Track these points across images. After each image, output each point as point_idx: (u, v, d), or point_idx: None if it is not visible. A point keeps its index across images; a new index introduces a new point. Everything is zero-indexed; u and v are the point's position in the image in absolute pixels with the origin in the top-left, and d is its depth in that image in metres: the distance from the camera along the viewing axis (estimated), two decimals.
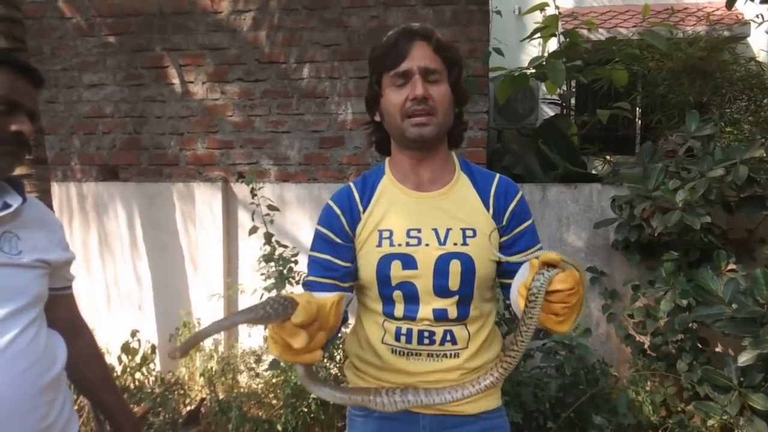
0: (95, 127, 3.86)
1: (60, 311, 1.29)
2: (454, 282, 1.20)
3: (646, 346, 2.95)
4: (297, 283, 2.77)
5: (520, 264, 1.24)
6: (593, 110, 4.31)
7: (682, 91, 4.24)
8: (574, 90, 5.57)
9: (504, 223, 1.26)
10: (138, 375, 3.19)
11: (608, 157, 4.65)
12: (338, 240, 1.25)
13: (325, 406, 2.66)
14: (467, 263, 1.20)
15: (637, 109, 5.26)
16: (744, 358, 2.19)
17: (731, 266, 2.69)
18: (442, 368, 1.23)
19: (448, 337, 1.23)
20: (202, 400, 3.00)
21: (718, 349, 2.97)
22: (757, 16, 4.43)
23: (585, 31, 5.13)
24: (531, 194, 3.29)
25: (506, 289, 1.29)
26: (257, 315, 0.87)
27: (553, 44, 4.67)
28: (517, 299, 1.02)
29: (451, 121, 1.26)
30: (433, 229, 1.22)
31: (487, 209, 1.25)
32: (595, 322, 3.18)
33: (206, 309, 3.49)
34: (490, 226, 1.24)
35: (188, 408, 2.99)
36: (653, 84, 4.51)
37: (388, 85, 1.21)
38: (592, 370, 2.74)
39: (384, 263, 1.21)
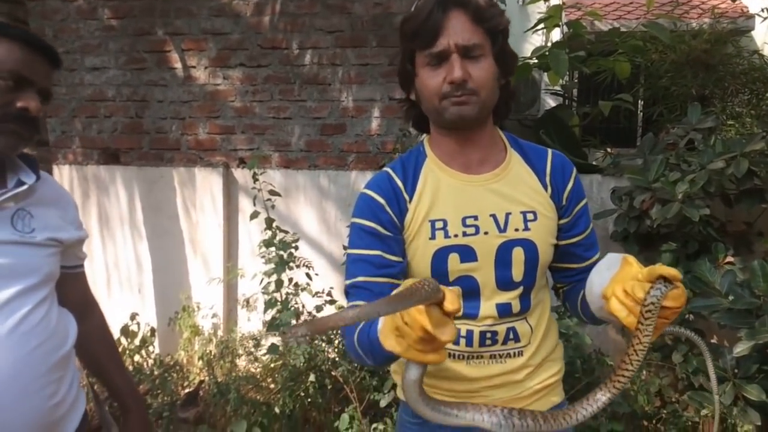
0: (97, 111, 3.86)
1: (71, 290, 1.29)
2: (517, 272, 1.09)
3: None
4: (297, 267, 2.78)
5: (584, 246, 1.16)
6: (595, 102, 4.30)
7: (685, 83, 4.24)
8: (576, 81, 5.56)
9: (564, 203, 1.14)
10: (137, 357, 3.21)
11: (609, 149, 4.65)
12: (388, 233, 1.10)
13: (323, 390, 2.68)
14: (531, 250, 1.09)
15: (639, 101, 5.25)
16: (739, 349, 2.21)
17: (729, 259, 2.70)
18: (506, 370, 1.12)
19: (511, 335, 1.12)
20: (201, 382, 3.03)
21: (714, 340, 2.99)
22: (763, 10, 4.42)
23: (588, 23, 5.11)
24: None
25: (558, 273, 1.22)
26: (418, 297, 0.73)
27: (556, 35, 4.65)
28: (601, 300, 0.94)
29: (497, 97, 1.11)
30: (491, 215, 1.09)
31: (545, 188, 1.13)
32: None
33: (206, 293, 3.51)
34: (550, 207, 1.13)
35: (187, 390, 3.02)
36: (656, 76, 4.51)
37: (423, 65, 1.07)
38: (588, 360, 2.76)
39: (440, 257, 1.08)
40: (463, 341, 1.11)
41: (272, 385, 2.93)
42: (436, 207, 1.10)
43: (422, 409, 0.85)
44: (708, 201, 2.73)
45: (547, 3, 4.15)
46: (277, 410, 2.61)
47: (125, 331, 3.16)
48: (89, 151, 3.87)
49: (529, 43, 5.30)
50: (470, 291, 1.09)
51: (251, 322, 3.46)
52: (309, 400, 2.68)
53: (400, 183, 1.13)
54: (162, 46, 3.79)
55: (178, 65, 3.78)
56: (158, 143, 3.82)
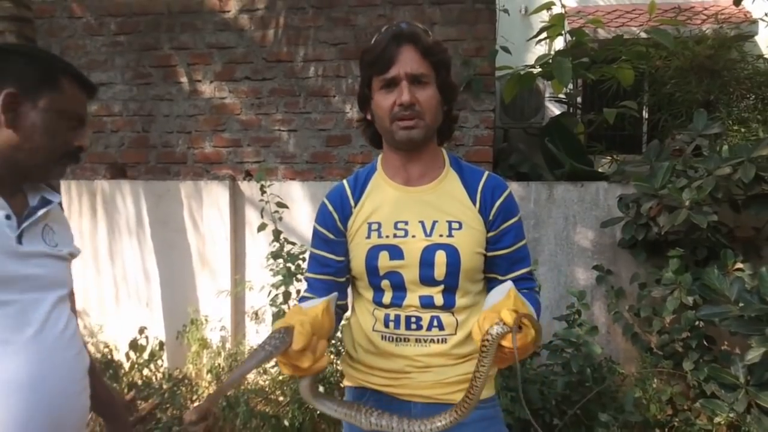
0: (104, 126, 3.89)
1: None
2: (439, 272, 1.25)
3: (652, 345, 2.95)
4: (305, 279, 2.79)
5: (510, 260, 1.33)
6: (600, 109, 4.30)
7: (690, 89, 4.24)
8: (580, 89, 5.56)
9: (491, 218, 1.30)
10: (146, 371, 3.21)
11: (615, 156, 4.65)
12: (332, 236, 1.32)
13: None
14: (452, 254, 1.24)
15: (644, 107, 5.25)
16: (750, 356, 2.19)
17: (738, 265, 2.68)
18: (429, 353, 1.27)
19: (435, 323, 1.27)
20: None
21: (725, 347, 2.97)
22: (766, 14, 4.42)
23: (591, 30, 5.12)
24: (537, 192, 3.29)
25: (489, 282, 1.35)
26: (261, 357, 0.97)
27: (559, 43, 4.67)
28: (477, 322, 1.04)
29: (440, 120, 1.30)
30: (419, 222, 1.27)
31: (474, 204, 1.29)
32: (601, 320, 3.18)
33: (214, 306, 3.52)
34: (478, 221, 1.28)
35: (196, 403, 3.01)
36: (660, 83, 4.50)
37: (377, 89, 1.25)
38: (598, 368, 2.74)
39: (372, 254, 1.27)
40: (392, 324, 1.28)
41: (281, 398, 2.93)
42: (375, 212, 1.30)
43: (314, 403, 1.11)
44: (716, 207, 2.72)
45: (549, 12, 4.17)
46: (286, 423, 2.61)
47: (134, 345, 3.17)
48: (97, 166, 3.90)
49: (532, 53, 5.31)
50: (397, 285, 1.27)
51: (260, 334, 3.46)
52: (318, 412, 2.67)
53: (349, 192, 1.33)
54: (168, 61, 3.82)
55: (184, 79, 3.81)
56: (165, 157, 3.85)
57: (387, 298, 1.28)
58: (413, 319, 1.27)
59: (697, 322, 2.69)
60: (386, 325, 1.28)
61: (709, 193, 2.64)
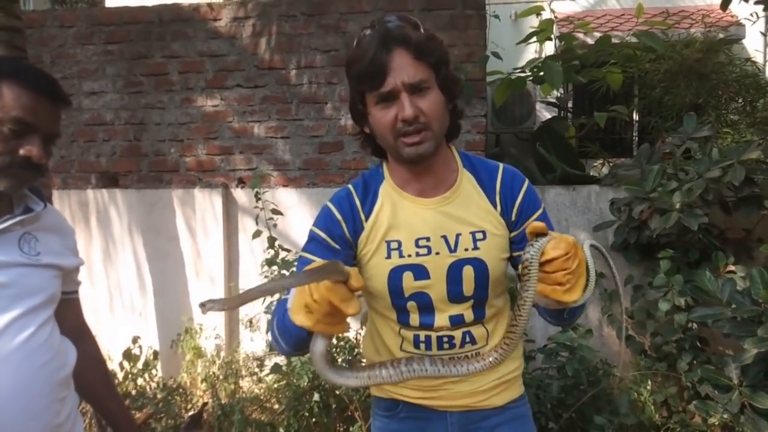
0: (95, 135, 3.88)
1: (67, 315, 1.31)
2: (468, 288, 1.16)
3: (646, 347, 2.96)
4: None
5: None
6: (591, 113, 4.33)
7: (679, 92, 4.27)
8: (571, 93, 5.60)
9: (513, 218, 1.19)
10: (140, 381, 3.19)
11: (606, 159, 4.67)
12: (336, 246, 1.18)
13: (327, 409, 2.67)
14: (480, 268, 1.16)
15: (635, 111, 5.29)
16: (743, 357, 2.21)
17: (731, 267, 2.70)
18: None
19: (468, 338, 1.19)
20: (205, 404, 3.01)
21: (719, 347, 2.98)
22: (752, 14, 4.46)
23: (581, 35, 5.16)
24: None
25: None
26: (326, 271, 0.83)
27: (549, 49, 4.70)
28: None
29: (447, 123, 1.17)
30: (442, 237, 1.16)
31: (495, 207, 1.19)
32: (596, 323, 3.19)
33: (208, 314, 3.50)
34: (500, 225, 1.19)
35: (191, 413, 3.00)
36: (650, 86, 4.54)
37: (374, 105, 1.11)
38: (593, 371, 2.75)
39: (395, 275, 1.16)
40: (422, 345, 1.20)
41: (276, 406, 2.92)
42: (392, 229, 1.18)
43: (329, 375, 0.96)
44: (706, 209, 2.74)
45: (539, 17, 4.19)
46: (282, 431, 2.60)
47: (128, 354, 3.15)
48: (88, 176, 3.88)
49: (523, 60, 5.34)
50: (424, 305, 1.17)
51: (254, 342, 3.45)
52: (314, 420, 2.66)
53: (358, 202, 1.20)
54: (159, 69, 3.81)
55: (176, 88, 3.80)
56: (157, 165, 3.84)
57: (414, 320, 1.19)
58: (445, 339, 1.18)
59: (690, 324, 2.71)
60: (416, 347, 1.20)
61: (699, 196, 2.66)
